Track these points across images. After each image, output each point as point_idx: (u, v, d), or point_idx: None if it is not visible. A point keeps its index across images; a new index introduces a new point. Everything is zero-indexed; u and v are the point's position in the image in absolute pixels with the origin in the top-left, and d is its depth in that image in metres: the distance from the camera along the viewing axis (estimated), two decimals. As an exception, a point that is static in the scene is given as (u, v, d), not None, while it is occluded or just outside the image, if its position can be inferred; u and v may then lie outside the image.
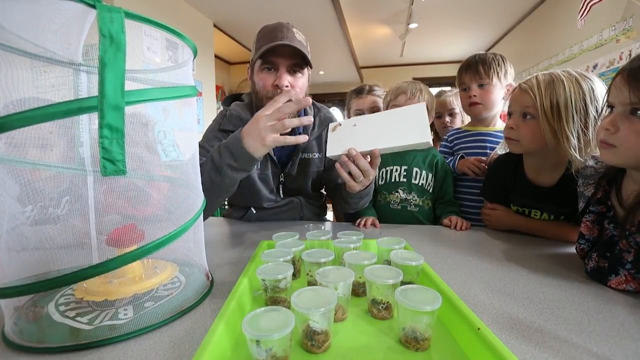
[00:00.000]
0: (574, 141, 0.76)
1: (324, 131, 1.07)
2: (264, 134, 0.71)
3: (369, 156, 0.81)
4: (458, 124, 1.51)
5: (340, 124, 0.88)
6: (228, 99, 1.10)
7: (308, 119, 0.75)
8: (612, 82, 0.57)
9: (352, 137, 0.84)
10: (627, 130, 0.54)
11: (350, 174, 0.81)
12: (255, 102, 0.99)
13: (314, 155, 1.06)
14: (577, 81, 0.77)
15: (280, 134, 0.73)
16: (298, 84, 0.93)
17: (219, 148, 0.78)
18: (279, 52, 0.89)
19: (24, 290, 0.40)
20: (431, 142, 0.77)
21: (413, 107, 0.84)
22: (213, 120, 1.04)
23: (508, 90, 1.15)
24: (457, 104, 1.50)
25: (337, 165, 0.82)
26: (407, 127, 0.79)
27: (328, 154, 0.84)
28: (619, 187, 0.62)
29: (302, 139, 0.77)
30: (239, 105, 1.02)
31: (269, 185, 1.04)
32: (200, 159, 0.66)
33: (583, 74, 0.79)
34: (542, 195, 0.88)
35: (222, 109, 1.09)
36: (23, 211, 0.43)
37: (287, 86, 0.91)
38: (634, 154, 0.54)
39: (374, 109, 1.39)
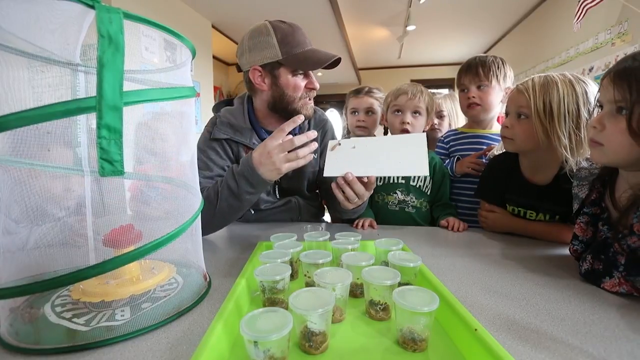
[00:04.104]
0: (565, 141, 0.78)
1: (319, 131, 1.08)
2: (279, 166, 0.74)
3: (365, 178, 0.82)
4: (446, 126, 1.54)
5: (339, 144, 0.89)
6: (219, 105, 1.10)
7: (313, 133, 0.77)
8: (600, 82, 0.60)
9: (350, 159, 0.85)
10: (613, 128, 0.56)
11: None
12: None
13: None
14: (570, 84, 0.80)
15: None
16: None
17: (234, 176, 0.79)
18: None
19: (19, 291, 0.40)
20: (428, 174, 0.79)
21: (414, 136, 0.85)
22: (204, 128, 1.03)
23: (506, 93, 1.16)
24: (445, 107, 1.54)
25: (333, 185, 0.84)
26: (406, 158, 0.80)
27: (325, 174, 0.86)
28: (612, 188, 0.63)
29: (313, 146, 0.77)
30: (229, 111, 1.02)
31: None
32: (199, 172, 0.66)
33: (578, 77, 0.81)
34: (538, 194, 0.90)
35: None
36: (16, 212, 0.43)
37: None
38: (620, 151, 0.56)
39: (369, 110, 1.41)
